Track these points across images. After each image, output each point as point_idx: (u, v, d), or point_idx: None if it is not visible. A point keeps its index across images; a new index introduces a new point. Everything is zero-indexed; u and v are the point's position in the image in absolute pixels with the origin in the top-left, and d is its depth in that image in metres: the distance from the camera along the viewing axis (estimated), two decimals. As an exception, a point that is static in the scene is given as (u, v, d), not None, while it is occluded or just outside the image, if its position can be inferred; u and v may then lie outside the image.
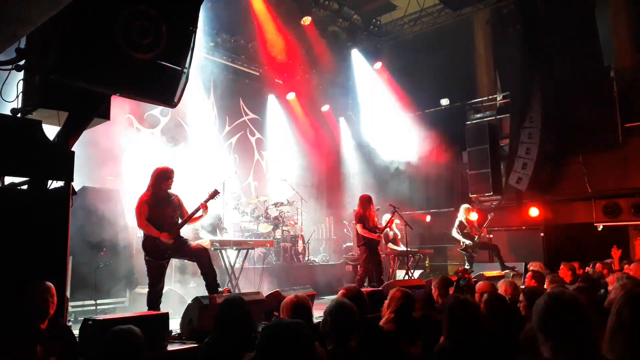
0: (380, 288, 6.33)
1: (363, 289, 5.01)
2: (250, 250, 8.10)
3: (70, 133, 4.11)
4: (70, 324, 4.77)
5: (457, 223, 9.41)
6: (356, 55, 13.57)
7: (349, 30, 13.18)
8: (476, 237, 9.29)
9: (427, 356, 3.02)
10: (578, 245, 10.04)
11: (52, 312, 3.42)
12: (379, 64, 13.48)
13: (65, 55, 3.62)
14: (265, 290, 5.87)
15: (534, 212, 11.01)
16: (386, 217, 8.99)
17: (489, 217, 9.65)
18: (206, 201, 5.49)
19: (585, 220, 10.68)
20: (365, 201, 8.03)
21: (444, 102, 13.13)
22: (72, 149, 4.11)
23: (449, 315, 3.02)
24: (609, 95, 10.76)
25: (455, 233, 9.35)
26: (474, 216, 9.65)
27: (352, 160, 14.12)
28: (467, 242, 9.20)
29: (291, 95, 13.17)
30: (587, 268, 7.85)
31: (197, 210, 5.39)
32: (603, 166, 10.66)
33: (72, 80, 3.74)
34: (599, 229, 10.54)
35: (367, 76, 13.59)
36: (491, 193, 11.68)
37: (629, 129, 10.47)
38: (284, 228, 9.79)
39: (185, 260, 5.72)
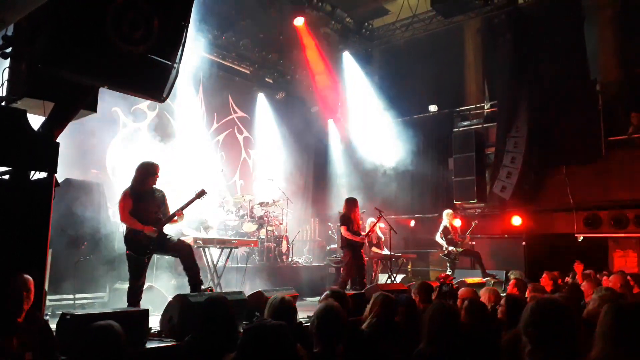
0: (362, 291, 6.34)
1: (346, 292, 5.01)
2: (233, 250, 8.05)
3: (55, 124, 4.04)
4: (47, 318, 4.68)
5: (441, 228, 9.47)
6: (347, 58, 13.60)
7: (341, 33, 13.21)
8: (459, 243, 9.38)
9: (408, 361, 3.03)
10: (558, 255, 10.17)
11: (27, 307, 3.35)
12: (369, 68, 13.54)
13: (53, 45, 3.56)
14: (248, 290, 5.83)
15: (516, 221, 11.14)
16: (371, 220, 9.00)
17: (473, 224, 9.74)
18: (192, 201, 5.45)
19: (566, 231, 10.83)
20: (351, 203, 8.02)
21: (432, 108, 13.21)
22: (57, 140, 4.04)
23: (430, 321, 3.03)
24: (593, 108, 10.94)
25: (439, 238, 9.41)
26: (457, 222, 9.73)
27: (339, 162, 14.14)
28: (451, 248, 9.27)
29: (281, 95, 13.14)
30: (567, 278, 7.97)
31: (174, 214, 5.31)
32: (585, 178, 10.82)
33: (59, 70, 3.67)
34: (579, 240, 10.70)
35: (358, 79, 13.62)
36: (475, 200, 11.79)
37: (612, 143, 10.65)
38: (269, 228, 9.75)
39: (168, 257, 5.65)
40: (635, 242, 10.40)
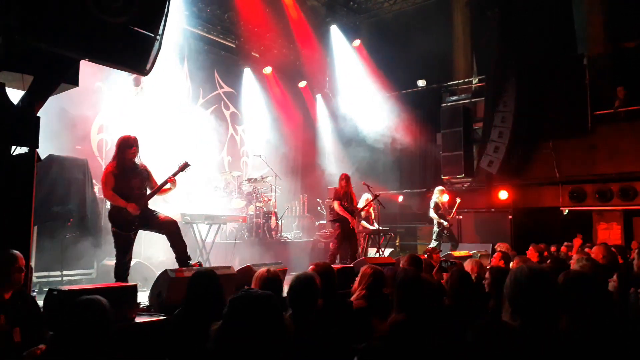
0: (351, 265, 6.39)
1: (334, 266, 5.04)
2: (222, 226, 8.04)
3: (35, 98, 3.95)
4: (34, 294, 4.66)
5: (432, 204, 9.62)
6: (335, 32, 13.41)
7: (328, 6, 13.00)
8: (448, 219, 9.57)
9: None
10: (544, 228, 10.33)
11: (21, 284, 3.34)
12: (357, 42, 13.37)
13: (29, 15, 3.44)
14: (237, 265, 5.84)
15: (503, 195, 11.25)
16: (365, 196, 9.07)
17: (457, 202, 10.00)
18: (175, 174, 5.38)
19: (552, 205, 10.98)
20: (345, 180, 8.12)
21: (421, 83, 13.16)
22: (38, 115, 3.95)
23: (398, 289, 3.03)
24: (580, 82, 10.97)
25: (432, 214, 9.58)
26: (445, 198, 9.87)
27: (327, 138, 14.08)
28: (444, 222, 9.46)
29: (267, 70, 12.95)
30: (552, 248, 8.11)
31: (165, 182, 5.28)
32: (572, 152, 10.93)
33: (37, 41, 3.57)
34: (565, 213, 10.86)
35: (345, 54, 13.47)
36: (463, 175, 11.87)
37: (598, 117, 10.72)
38: (257, 204, 9.72)
39: (154, 233, 5.61)
40: (619, 215, 10.58)
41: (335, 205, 7.96)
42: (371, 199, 8.81)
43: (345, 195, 7.99)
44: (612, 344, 1.98)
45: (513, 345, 1.70)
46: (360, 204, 8.74)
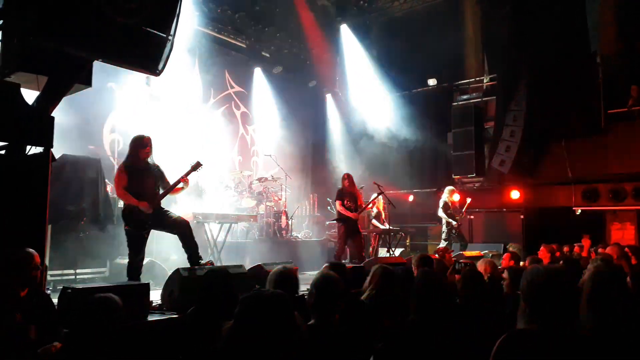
0: (362, 264, 6.39)
1: (346, 264, 5.04)
2: (233, 225, 8.09)
3: (49, 98, 4.00)
4: (49, 292, 4.72)
5: (441, 204, 9.56)
6: (345, 31, 13.40)
7: (339, 5, 12.99)
8: (457, 218, 9.49)
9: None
10: (556, 228, 10.22)
11: (37, 282, 3.38)
12: (367, 41, 13.36)
13: (44, 16, 3.49)
14: (248, 265, 5.87)
15: (515, 194, 11.15)
16: (373, 195, 9.07)
17: (468, 202, 9.90)
18: (188, 173, 5.41)
19: (564, 204, 10.86)
20: (347, 179, 8.10)
21: (432, 82, 13.10)
22: (52, 115, 4.00)
23: (416, 290, 3.01)
24: (593, 81, 10.85)
25: (441, 213, 9.52)
26: (456, 197, 9.82)
27: (337, 137, 14.08)
28: (453, 222, 9.39)
29: (278, 69, 12.99)
30: (565, 248, 8.04)
31: (178, 182, 5.32)
32: (585, 151, 10.80)
33: (51, 42, 3.62)
34: (577, 213, 10.74)
35: (356, 53, 13.45)
36: (474, 175, 11.79)
37: (612, 116, 10.59)
38: (268, 203, 9.77)
39: (167, 232, 5.64)
40: (633, 214, 10.43)
41: (337, 205, 7.96)
42: (373, 198, 8.79)
43: (348, 194, 7.96)
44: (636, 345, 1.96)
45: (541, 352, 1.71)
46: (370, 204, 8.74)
